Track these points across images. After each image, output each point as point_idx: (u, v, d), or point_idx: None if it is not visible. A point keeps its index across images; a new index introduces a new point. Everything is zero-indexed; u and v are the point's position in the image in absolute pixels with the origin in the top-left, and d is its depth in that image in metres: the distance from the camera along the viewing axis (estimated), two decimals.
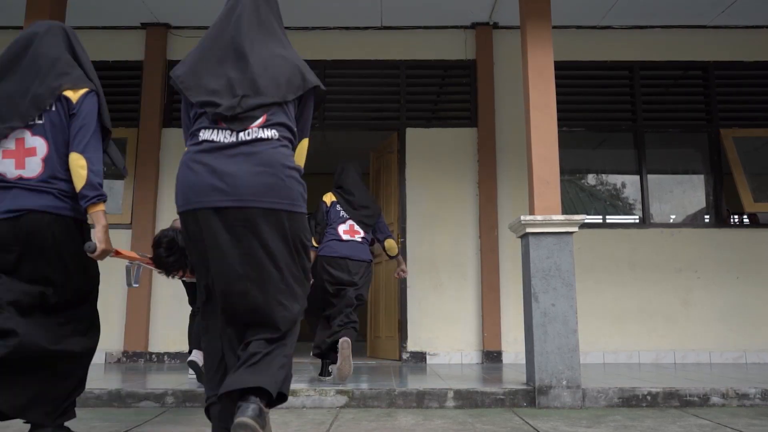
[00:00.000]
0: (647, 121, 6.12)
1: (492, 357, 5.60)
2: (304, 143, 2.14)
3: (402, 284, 5.83)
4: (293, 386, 3.66)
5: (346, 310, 4.07)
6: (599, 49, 6.18)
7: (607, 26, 6.20)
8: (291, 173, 1.94)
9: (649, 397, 3.61)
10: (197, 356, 3.74)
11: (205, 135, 1.95)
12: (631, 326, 5.69)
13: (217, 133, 1.94)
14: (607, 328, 5.68)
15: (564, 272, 3.73)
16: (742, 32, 6.19)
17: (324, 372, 4.16)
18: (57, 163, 2.19)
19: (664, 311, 5.72)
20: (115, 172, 6.05)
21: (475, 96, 6.10)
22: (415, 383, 3.91)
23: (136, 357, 5.54)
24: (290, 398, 3.51)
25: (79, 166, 2.16)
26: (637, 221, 6.01)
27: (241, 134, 1.93)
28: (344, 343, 3.81)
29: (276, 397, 1.85)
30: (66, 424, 2.27)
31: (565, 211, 5.67)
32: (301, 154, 2.12)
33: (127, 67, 6.16)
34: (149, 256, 2.80)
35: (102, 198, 2.18)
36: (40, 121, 2.20)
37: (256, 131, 1.94)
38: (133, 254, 2.63)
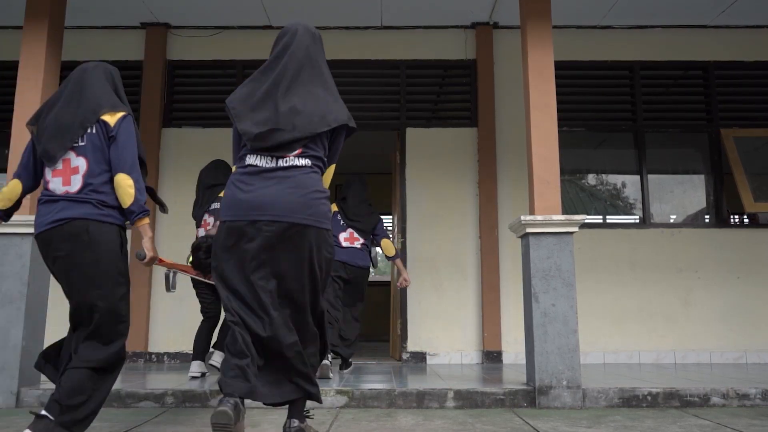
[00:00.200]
0: (647, 121, 6.12)
1: (492, 357, 5.59)
2: (331, 168, 2.48)
3: None
4: None
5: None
6: (599, 48, 6.18)
7: (608, 26, 6.19)
8: (319, 195, 2.31)
9: (649, 398, 3.60)
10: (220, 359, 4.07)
11: (250, 160, 2.32)
12: (632, 326, 5.68)
13: (260, 159, 2.30)
14: (607, 329, 5.68)
15: (564, 272, 3.73)
16: (742, 32, 6.19)
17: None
18: (94, 178, 2.46)
19: (664, 311, 5.71)
20: None
21: (475, 96, 6.09)
22: (415, 383, 3.90)
23: (136, 357, 5.54)
24: None
25: (127, 185, 2.43)
26: (638, 221, 6.01)
27: (280, 161, 2.30)
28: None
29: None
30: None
31: (565, 211, 5.67)
32: (327, 178, 2.47)
33: (127, 67, 6.14)
34: (184, 263, 3.18)
35: (146, 213, 2.47)
36: (83, 143, 2.48)
37: (293, 160, 2.30)
38: (172, 262, 3.02)
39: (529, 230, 3.77)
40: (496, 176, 5.90)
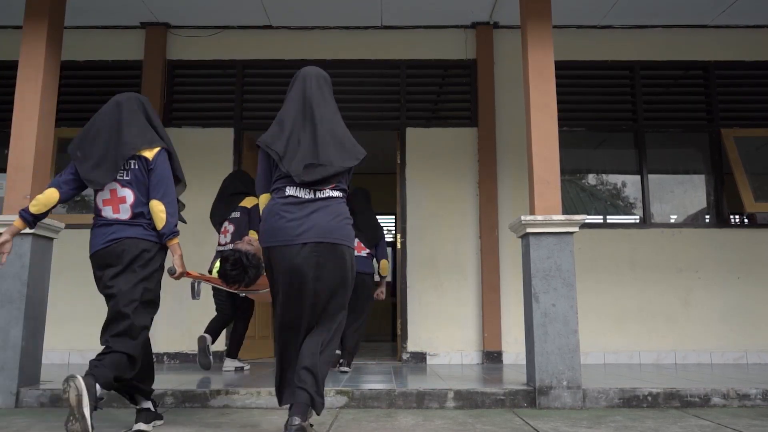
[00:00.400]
0: (648, 120, 6.11)
1: (492, 357, 5.59)
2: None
3: (402, 284, 5.82)
4: None
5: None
6: (600, 48, 6.17)
7: (608, 26, 6.19)
8: (348, 222, 2.72)
9: (649, 398, 3.60)
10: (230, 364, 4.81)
11: (290, 191, 2.65)
12: (632, 326, 5.68)
13: (300, 190, 2.66)
14: (607, 329, 5.68)
15: (564, 272, 3.72)
16: (743, 32, 6.19)
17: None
18: (141, 206, 2.84)
19: (664, 311, 5.71)
20: None
21: (475, 96, 6.09)
22: (415, 384, 3.90)
23: None
24: None
25: (159, 210, 2.81)
26: (638, 221, 6.00)
27: (318, 193, 2.67)
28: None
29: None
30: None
31: (565, 211, 5.66)
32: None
33: (126, 67, 6.15)
34: (207, 273, 3.54)
35: (176, 234, 2.86)
36: (127, 177, 2.84)
37: (328, 192, 2.68)
38: (198, 274, 3.42)
39: (530, 230, 3.77)
40: (497, 176, 5.90)
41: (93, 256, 2.84)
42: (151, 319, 2.90)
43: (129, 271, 2.78)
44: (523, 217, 3.76)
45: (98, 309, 5.63)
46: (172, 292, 5.37)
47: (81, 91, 6.14)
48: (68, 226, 5.16)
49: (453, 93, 6.23)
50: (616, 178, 6.21)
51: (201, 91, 6.18)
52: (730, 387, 3.65)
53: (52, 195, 2.82)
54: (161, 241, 2.85)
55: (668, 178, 6.14)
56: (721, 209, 5.99)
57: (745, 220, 6.43)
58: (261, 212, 2.75)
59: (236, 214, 4.92)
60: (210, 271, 3.63)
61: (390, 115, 6.15)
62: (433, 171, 5.96)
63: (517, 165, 5.90)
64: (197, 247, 5.52)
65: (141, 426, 2.88)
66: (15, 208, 3.83)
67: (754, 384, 3.83)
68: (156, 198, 2.82)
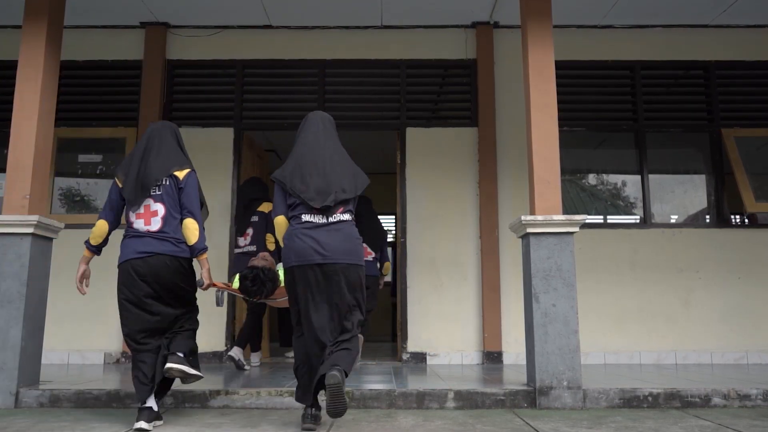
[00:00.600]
0: (648, 120, 6.11)
1: (492, 357, 5.58)
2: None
3: (402, 284, 5.81)
4: (292, 388, 3.67)
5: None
6: (600, 48, 6.17)
7: (608, 25, 6.18)
8: (359, 242, 3.09)
9: (650, 398, 3.59)
10: (237, 352, 4.96)
11: (306, 218, 3.05)
12: (632, 326, 5.67)
13: (314, 216, 3.05)
14: (608, 329, 5.67)
15: (565, 272, 3.72)
16: (743, 32, 6.18)
17: None
18: (170, 220, 3.18)
19: (665, 311, 5.70)
20: (113, 172, 6.04)
21: (475, 96, 6.08)
22: (415, 384, 3.89)
23: None
24: (289, 399, 3.52)
25: (193, 227, 3.19)
26: (638, 221, 6.00)
27: (330, 218, 3.05)
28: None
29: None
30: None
31: (565, 211, 5.66)
32: None
33: (126, 67, 6.14)
34: (230, 283, 4.06)
35: (206, 249, 3.23)
36: (159, 192, 3.19)
37: (339, 216, 3.07)
38: (222, 284, 3.83)
39: (530, 230, 3.76)
40: (497, 176, 5.89)
41: (123, 264, 3.13)
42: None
43: (175, 288, 3.17)
44: (523, 217, 3.75)
45: (98, 309, 5.66)
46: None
47: (81, 90, 6.13)
48: (68, 226, 5.16)
49: (453, 93, 6.23)
50: (616, 178, 6.20)
51: (201, 91, 6.18)
52: (731, 387, 3.65)
53: (102, 226, 3.24)
54: (192, 255, 3.21)
55: (669, 178, 6.13)
56: (722, 209, 5.98)
57: (746, 220, 6.42)
58: (277, 232, 3.16)
59: (255, 218, 5.36)
60: (232, 281, 4.12)
61: (390, 115, 6.14)
62: (433, 171, 5.96)
63: (517, 165, 5.89)
64: None
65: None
66: (15, 208, 3.83)
67: (755, 384, 3.82)
68: (190, 216, 3.20)
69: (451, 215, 5.88)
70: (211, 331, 5.50)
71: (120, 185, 3.25)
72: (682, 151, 6.22)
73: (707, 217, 6.06)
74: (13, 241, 3.75)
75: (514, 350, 5.61)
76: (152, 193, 3.19)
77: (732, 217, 6.27)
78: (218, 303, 3.94)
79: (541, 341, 3.65)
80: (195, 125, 6.03)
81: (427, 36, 6.18)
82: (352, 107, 6.16)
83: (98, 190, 6.04)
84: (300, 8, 5.80)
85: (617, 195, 6.19)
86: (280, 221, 3.14)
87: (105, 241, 3.28)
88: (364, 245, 5.32)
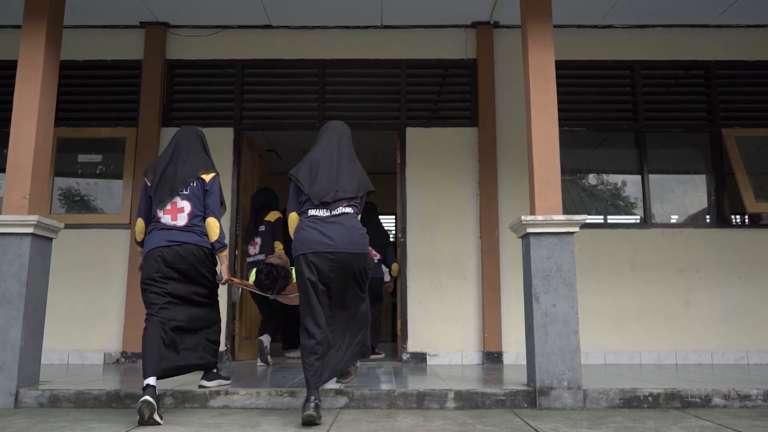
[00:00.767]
0: (648, 120, 6.10)
1: (493, 358, 5.58)
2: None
3: (402, 284, 5.81)
4: (292, 388, 3.68)
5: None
6: (600, 48, 6.16)
7: (609, 25, 6.18)
8: (362, 233, 3.40)
9: (650, 398, 3.59)
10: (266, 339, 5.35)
11: (312, 212, 3.37)
12: (632, 327, 5.67)
13: (320, 210, 3.36)
14: (608, 329, 5.67)
15: (565, 272, 3.71)
16: (744, 31, 6.18)
17: None
18: (195, 216, 3.58)
19: (665, 312, 5.70)
20: (114, 172, 6.05)
21: (475, 95, 6.08)
22: (415, 384, 3.89)
23: (135, 358, 5.52)
24: (289, 399, 3.52)
25: (215, 226, 3.60)
26: (639, 221, 5.99)
27: (334, 211, 3.36)
28: None
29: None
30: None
31: (566, 211, 5.65)
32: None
33: (126, 67, 6.14)
34: (246, 280, 4.59)
35: (226, 246, 3.66)
36: (186, 192, 3.59)
37: (341, 209, 3.37)
38: (239, 281, 4.26)
39: (530, 230, 3.76)
40: (497, 176, 5.89)
41: (150, 252, 3.48)
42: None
43: (198, 276, 3.56)
44: (523, 217, 3.75)
45: (97, 309, 5.66)
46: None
47: (80, 90, 6.13)
48: (67, 226, 5.16)
49: (453, 93, 6.22)
50: (616, 178, 6.20)
51: (201, 91, 6.18)
52: (731, 387, 3.64)
53: (140, 224, 3.65)
54: (212, 251, 3.62)
55: (669, 178, 6.13)
56: (722, 209, 5.97)
57: (746, 220, 6.42)
58: (290, 227, 3.47)
59: (262, 228, 5.72)
60: (248, 279, 4.60)
61: (390, 114, 6.14)
62: (433, 171, 5.95)
63: (517, 165, 5.89)
64: None
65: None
66: (14, 208, 3.82)
67: (755, 384, 3.82)
68: (213, 216, 3.60)
69: (451, 215, 5.88)
70: None
71: (149, 184, 3.61)
72: (682, 151, 6.22)
73: (707, 217, 6.06)
74: (12, 241, 3.75)
75: (514, 350, 5.61)
76: (180, 193, 3.57)
77: (732, 217, 6.27)
78: (233, 297, 4.54)
79: (542, 341, 3.65)
80: (194, 125, 6.01)
81: (427, 36, 6.18)
82: (352, 107, 6.15)
83: (98, 190, 6.04)
84: (300, 8, 5.80)
85: (617, 195, 6.19)
86: (293, 217, 3.47)
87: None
88: (369, 248, 5.52)
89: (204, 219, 3.60)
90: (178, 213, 3.54)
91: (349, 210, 3.38)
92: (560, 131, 4.05)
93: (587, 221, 5.50)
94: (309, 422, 2.96)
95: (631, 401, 3.59)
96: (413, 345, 5.69)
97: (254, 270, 4.49)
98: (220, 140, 5.98)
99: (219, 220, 3.62)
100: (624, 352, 5.63)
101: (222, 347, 5.58)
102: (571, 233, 3.76)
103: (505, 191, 5.90)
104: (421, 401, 3.53)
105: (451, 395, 3.55)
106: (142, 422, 2.97)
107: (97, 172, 6.09)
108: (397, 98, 6.14)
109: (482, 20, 6.07)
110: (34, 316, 3.81)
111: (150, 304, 3.41)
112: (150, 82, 5.97)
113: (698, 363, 5.57)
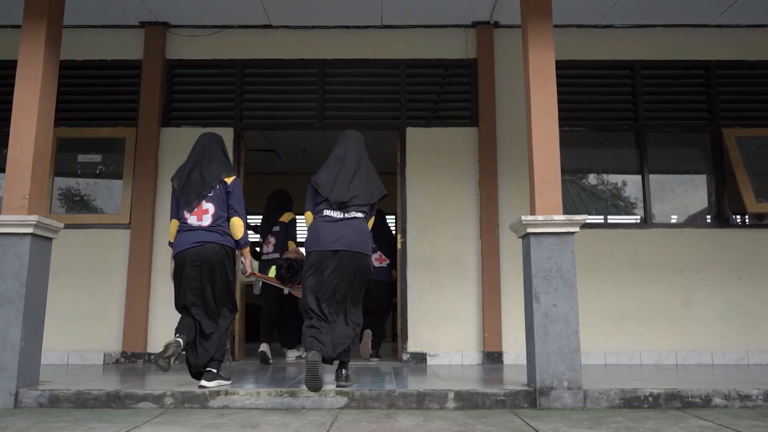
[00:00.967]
0: (649, 120, 6.10)
1: (493, 358, 5.58)
2: (371, 220, 3.95)
3: (402, 284, 5.81)
4: (292, 388, 3.68)
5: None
6: (601, 48, 6.16)
7: (609, 25, 6.17)
8: (369, 236, 3.83)
9: (650, 399, 3.58)
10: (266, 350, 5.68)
11: (327, 213, 3.80)
12: (633, 327, 5.66)
13: (333, 212, 3.79)
14: (608, 329, 5.66)
15: (565, 273, 3.71)
16: (744, 31, 6.17)
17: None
18: (218, 217, 3.88)
19: (665, 312, 5.69)
20: (113, 172, 6.05)
21: (475, 95, 6.07)
22: (415, 384, 3.89)
23: (135, 358, 5.52)
24: (289, 399, 3.51)
25: (240, 225, 3.93)
26: (639, 221, 5.99)
27: (346, 214, 3.79)
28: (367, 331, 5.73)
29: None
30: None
31: (566, 211, 5.65)
32: (369, 224, 3.93)
33: (125, 66, 6.14)
34: (267, 274, 5.23)
35: (248, 244, 4.01)
36: (211, 194, 3.90)
37: (353, 213, 3.80)
38: (261, 275, 4.81)
39: (530, 230, 3.75)
40: (497, 176, 5.88)
41: (180, 253, 3.82)
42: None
43: (221, 270, 3.84)
44: (523, 217, 3.75)
45: (97, 309, 5.66)
46: (171, 292, 5.38)
47: (80, 90, 6.13)
48: (67, 226, 5.15)
49: (453, 93, 6.22)
50: (616, 178, 6.20)
51: (200, 91, 6.17)
52: (732, 388, 3.64)
53: (175, 224, 3.95)
54: (237, 248, 3.95)
55: (669, 178, 6.12)
56: (723, 209, 5.97)
57: (746, 220, 6.41)
58: (307, 225, 3.86)
59: (276, 228, 6.03)
60: (267, 274, 5.07)
61: (390, 114, 6.13)
62: (433, 171, 5.95)
63: (517, 165, 5.88)
64: None
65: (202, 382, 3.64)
66: (14, 208, 3.82)
67: (756, 385, 3.81)
68: (237, 216, 3.92)
69: (451, 215, 5.88)
70: None
71: (176, 188, 3.94)
72: (682, 151, 6.22)
73: (708, 217, 6.05)
74: (12, 241, 3.74)
75: (514, 350, 5.60)
76: (205, 195, 3.88)
77: (734, 216, 6.27)
78: (255, 290, 5.03)
79: (542, 341, 3.65)
80: (195, 125, 6.02)
81: (427, 36, 6.17)
82: (352, 107, 6.15)
83: (98, 190, 6.04)
84: (300, 8, 5.79)
85: (618, 195, 6.18)
86: (308, 215, 3.89)
87: None
88: (379, 254, 6.09)
89: (228, 219, 3.90)
90: (203, 214, 3.85)
91: (359, 215, 3.80)
92: (560, 131, 4.05)
93: (587, 221, 5.47)
94: (313, 369, 3.41)
95: (632, 401, 3.58)
96: (413, 345, 5.69)
97: (273, 267, 5.01)
98: None
99: (243, 219, 3.93)
100: (624, 352, 5.62)
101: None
102: (572, 233, 3.76)
103: (506, 191, 5.89)
104: (421, 401, 3.53)
105: (451, 395, 3.55)
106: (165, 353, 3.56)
107: (97, 172, 6.09)
108: (397, 98, 6.13)
109: (482, 20, 6.07)
110: (33, 317, 3.80)
111: (178, 306, 3.93)
112: (150, 81, 5.97)
113: (698, 363, 5.57)
